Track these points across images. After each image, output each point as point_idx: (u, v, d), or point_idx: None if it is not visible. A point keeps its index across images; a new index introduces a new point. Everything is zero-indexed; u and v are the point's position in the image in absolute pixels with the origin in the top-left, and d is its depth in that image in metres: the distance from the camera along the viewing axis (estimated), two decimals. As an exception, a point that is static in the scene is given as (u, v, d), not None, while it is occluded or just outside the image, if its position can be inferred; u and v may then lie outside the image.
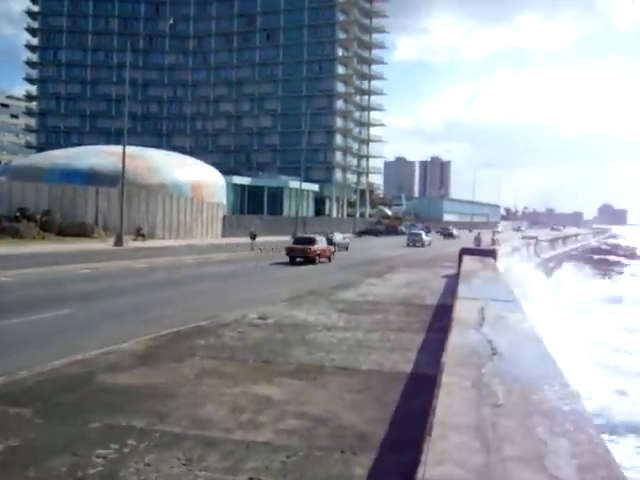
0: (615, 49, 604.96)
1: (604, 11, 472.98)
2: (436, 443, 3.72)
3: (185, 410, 7.59)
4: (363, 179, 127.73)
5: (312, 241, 36.80)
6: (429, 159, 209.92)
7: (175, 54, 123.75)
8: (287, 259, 35.28)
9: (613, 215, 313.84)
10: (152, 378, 8.97)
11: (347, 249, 48.10)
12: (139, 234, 51.13)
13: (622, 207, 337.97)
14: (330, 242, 41.16)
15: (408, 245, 60.72)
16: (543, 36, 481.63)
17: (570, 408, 4.54)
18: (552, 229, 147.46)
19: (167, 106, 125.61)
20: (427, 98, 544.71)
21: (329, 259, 37.16)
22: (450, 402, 4.57)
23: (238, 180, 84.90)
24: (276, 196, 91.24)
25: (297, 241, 38.80)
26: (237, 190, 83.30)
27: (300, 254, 35.07)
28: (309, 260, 34.57)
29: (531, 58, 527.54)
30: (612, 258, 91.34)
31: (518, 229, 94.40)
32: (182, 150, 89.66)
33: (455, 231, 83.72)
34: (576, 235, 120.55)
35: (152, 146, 77.08)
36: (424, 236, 64.32)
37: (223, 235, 63.10)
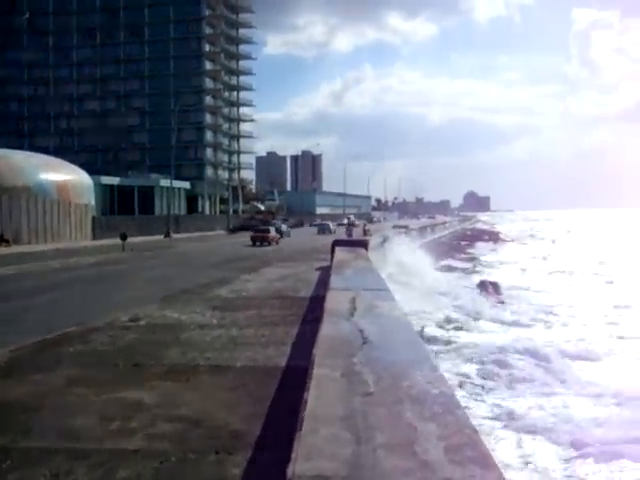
0: (475, 43, 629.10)
1: (465, 8, 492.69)
2: (307, 437, 3.64)
3: (51, 423, 7.21)
4: (235, 175, 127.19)
5: (268, 231, 52.01)
6: (300, 153, 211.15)
7: (34, 50, 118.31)
8: (157, 258, 37.36)
9: (478, 202, 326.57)
10: (15, 391, 8.48)
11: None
12: (2, 240, 48.77)
13: (486, 194, 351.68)
14: (279, 231, 56.81)
15: (318, 233, 69.05)
16: (406, 32, 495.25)
17: (438, 391, 4.58)
18: (429, 217, 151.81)
19: (28, 105, 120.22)
20: (297, 93, 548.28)
21: (277, 243, 50.26)
22: (321, 394, 4.51)
23: (107, 180, 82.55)
24: (147, 195, 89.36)
25: (258, 230, 52.14)
26: (106, 190, 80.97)
27: (261, 239, 48.69)
28: (268, 243, 48.37)
29: (396, 53, 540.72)
30: (479, 244, 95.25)
31: (370, 220, 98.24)
32: (46, 151, 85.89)
33: (332, 225, 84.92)
34: (444, 223, 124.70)
35: (13, 147, 73.47)
36: (331, 225, 76.82)
37: (94, 237, 61.07)
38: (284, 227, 67.35)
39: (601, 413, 16.26)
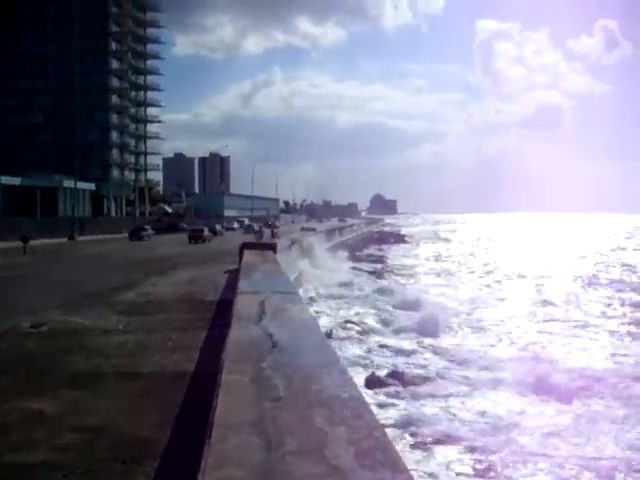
0: (383, 49, 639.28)
1: (373, 15, 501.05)
2: (216, 445, 3.61)
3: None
4: (142, 176, 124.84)
5: (202, 230, 61.48)
6: (208, 155, 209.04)
7: None
8: (60, 261, 37.11)
9: (384, 205, 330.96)
10: None
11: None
12: None
13: (392, 198, 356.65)
14: (212, 231, 66.82)
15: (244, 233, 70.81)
16: (316, 36, 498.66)
17: (348, 395, 4.62)
18: (339, 220, 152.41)
19: None
20: (206, 94, 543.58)
21: (209, 240, 58.21)
22: (230, 400, 4.48)
23: (7, 180, 79.58)
24: (50, 196, 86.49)
25: (194, 230, 61.93)
26: (6, 191, 78.14)
27: (197, 238, 56.99)
28: (203, 240, 56.73)
29: (305, 56, 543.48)
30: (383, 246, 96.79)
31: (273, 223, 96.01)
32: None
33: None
34: (351, 225, 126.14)
35: None
36: (255, 227, 75.97)
37: (-6, 240, 58.71)
38: (218, 227, 78.47)
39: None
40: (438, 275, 54.41)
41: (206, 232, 60.93)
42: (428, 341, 25.01)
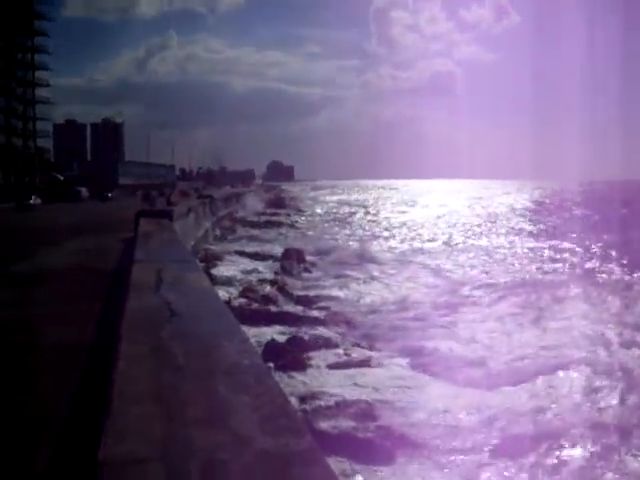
0: (280, 15, 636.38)
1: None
2: (116, 417, 3.53)
3: None
4: (31, 143, 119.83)
5: None
6: (101, 122, 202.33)
7: None
8: None
9: (282, 172, 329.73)
10: None
11: None
12: None
13: (290, 164, 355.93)
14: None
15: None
16: (212, 0, 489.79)
17: (249, 362, 4.61)
18: (231, 187, 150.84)
19: None
20: (100, 58, 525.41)
21: None
22: (129, 371, 4.39)
23: None
24: None
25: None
26: None
27: None
28: None
29: (201, 21, 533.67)
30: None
31: (197, 189, 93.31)
32: None
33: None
34: (250, 192, 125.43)
35: None
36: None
37: None
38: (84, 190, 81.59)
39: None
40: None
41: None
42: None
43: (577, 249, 44.46)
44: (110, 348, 5.73)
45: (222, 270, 33.68)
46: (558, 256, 41.48)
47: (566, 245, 46.96)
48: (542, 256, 42.08)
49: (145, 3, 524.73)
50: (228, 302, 22.12)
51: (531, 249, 45.91)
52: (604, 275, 33.52)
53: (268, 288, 28.85)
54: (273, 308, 25.01)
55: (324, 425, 12.58)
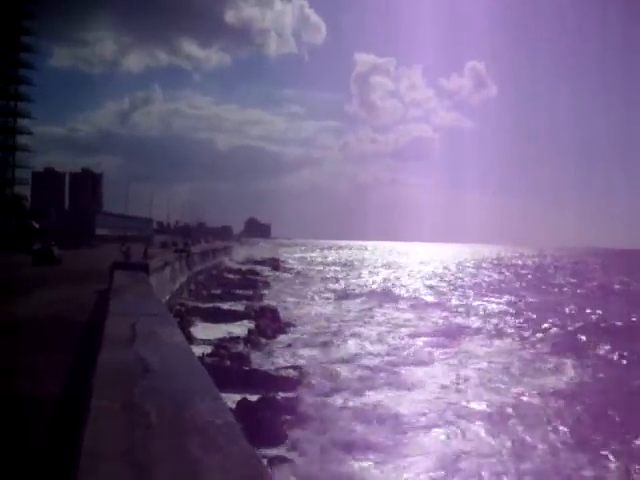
0: (265, 75, 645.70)
1: (259, 42, 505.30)
2: (84, 476, 3.44)
3: None
4: (9, 191, 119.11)
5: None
6: (80, 171, 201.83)
7: None
8: None
9: (258, 229, 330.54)
10: None
11: None
12: None
13: (266, 221, 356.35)
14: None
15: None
16: (200, 58, 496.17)
17: (222, 421, 4.53)
18: (205, 242, 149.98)
19: None
20: (83, 109, 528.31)
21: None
22: (99, 428, 4.29)
23: None
24: None
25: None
26: None
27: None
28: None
29: (187, 78, 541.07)
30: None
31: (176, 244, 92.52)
32: None
33: None
34: (225, 248, 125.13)
35: None
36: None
37: None
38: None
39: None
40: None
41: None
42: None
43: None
44: (79, 402, 5.63)
45: (196, 326, 33.47)
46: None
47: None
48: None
49: (132, 57, 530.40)
50: (201, 358, 21.89)
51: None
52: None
53: (241, 346, 28.64)
54: (245, 366, 24.80)
55: None
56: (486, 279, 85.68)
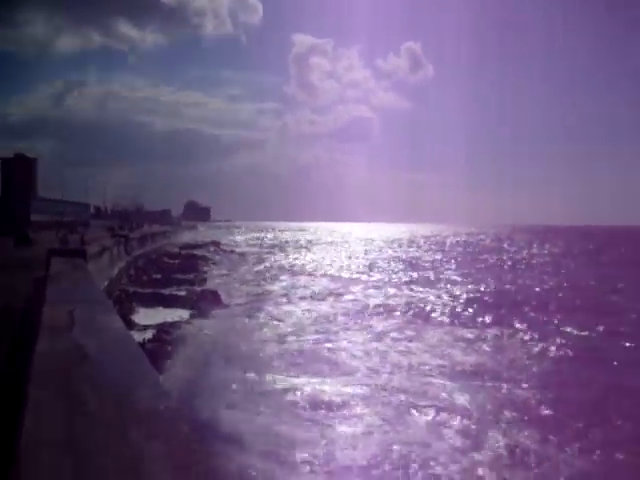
0: (202, 57, 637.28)
1: (195, 23, 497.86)
2: (26, 466, 3.39)
3: None
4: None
5: None
6: (13, 156, 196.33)
7: None
8: None
9: (198, 212, 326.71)
10: None
11: None
12: None
13: (206, 204, 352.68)
14: None
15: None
16: (135, 39, 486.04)
17: (164, 407, 4.51)
18: (138, 226, 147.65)
19: None
20: (15, 93, 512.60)
21: None
22: (39, 417, 4.22)
23: None
24: None
25: None
26: None
27: None
28: None
29: (123, 59, 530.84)
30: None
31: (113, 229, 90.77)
32: None
33: None
34: (164, 232, 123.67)
35: None
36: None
37: None
38: None
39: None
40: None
41: None
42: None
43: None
44: (17, 393, 5.53)
45: (137, 312, 33.13)
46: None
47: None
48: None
49: (65, 39, 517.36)
50: (142, 344, 21.68)
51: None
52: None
53: (182, 329, 28.43)
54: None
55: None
56: (414, 255, 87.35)
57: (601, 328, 28.45)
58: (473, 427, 14.52)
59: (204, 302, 37.69)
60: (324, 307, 36.67)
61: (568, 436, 14.07)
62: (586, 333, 27.60)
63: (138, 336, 23.80)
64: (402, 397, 16.98)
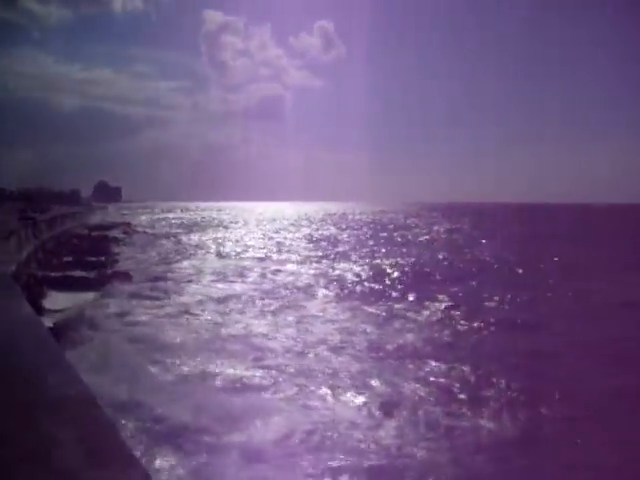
0: (110, 33, 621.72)
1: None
2: None
3: None
4: None
5: None
6: None
7: None
8: None
9: (109, 192, 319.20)
10: None
11: None
12: None
13: (117, 185, 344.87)
14: None
15: None
16: (39, 14, 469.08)
17: (75, 392, 4.42)
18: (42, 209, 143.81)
19: None
20: None
21: None
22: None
23: None
24: None
25: None
26: None
27: None
28: None
29: (25, 34, 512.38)
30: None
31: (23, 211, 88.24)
32: None
33: None
34: (74, 214, 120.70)
35: None
36: None
37: None
38: None
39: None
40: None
41: None
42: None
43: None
44: None
45: (47, 296, 32.30)
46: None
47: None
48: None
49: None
50: (52, 329, 21.17)
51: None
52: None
53: (92, 311, 27.93)
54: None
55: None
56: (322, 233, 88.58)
57: (510, 298, 29.39)
58: (386, 403, 14.70)
59: (115, 283, 37.22)
60: (235, 286, 36.60)
61: (486, 408, 14.46)
62: (496, 304, 28.41)
63: (48, 321, 23.21)
64: (312, 377, 16.96)
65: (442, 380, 16.62)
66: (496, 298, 29.42)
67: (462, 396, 15.31)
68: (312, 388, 15.95)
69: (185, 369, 17.75)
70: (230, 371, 17.53)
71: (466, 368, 17.52)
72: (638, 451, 11.80)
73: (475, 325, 23.73)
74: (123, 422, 12.51)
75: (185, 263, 50.47)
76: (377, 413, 14.13)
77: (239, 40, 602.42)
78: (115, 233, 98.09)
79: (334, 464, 11.37)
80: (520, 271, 40.79)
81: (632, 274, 36.82)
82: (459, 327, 23.64)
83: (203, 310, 27.50)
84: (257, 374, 17.22)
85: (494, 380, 16.36)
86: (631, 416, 13.72)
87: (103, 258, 57.73)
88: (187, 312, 26.81)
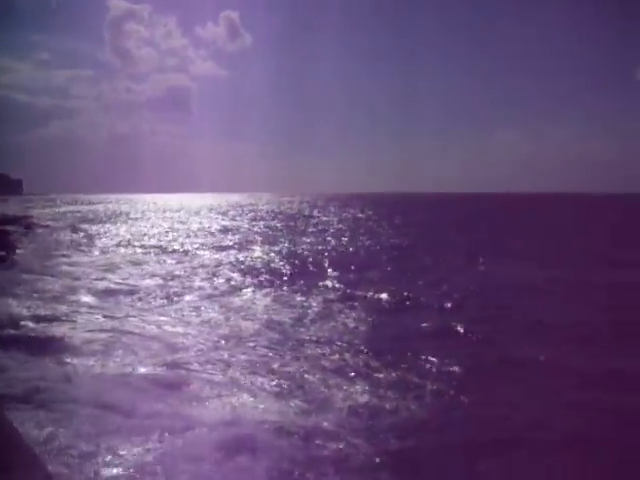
0: (8, 17, 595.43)
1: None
2: None
3: None
4: None
5: None
6: None
7: None
8: None
9: (8, 185, 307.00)
10: None
11: None
12: None
13: (18, 177, 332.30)
14: None
15: None
16: None
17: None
18: None
19: None
20: None
21: None
22: None
23: None
24: None
25: None
26: None
27: None
28: None
29: None
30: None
31: None
32: None
33: None
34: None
35: None
36: None
37: None
38: None
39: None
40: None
41: None
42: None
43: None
44: None
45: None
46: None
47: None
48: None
49: None
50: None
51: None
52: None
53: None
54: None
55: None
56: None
57: (408, 280, 29.61)
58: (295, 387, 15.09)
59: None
60: (137, 278, 36.65)
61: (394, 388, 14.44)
62: (395, 287, 27.71)
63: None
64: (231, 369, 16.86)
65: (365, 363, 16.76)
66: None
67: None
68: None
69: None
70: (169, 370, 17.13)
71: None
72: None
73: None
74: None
75: (89, 255, 49.74)
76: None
77: (144, 29, 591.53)
78: (15, 227, 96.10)
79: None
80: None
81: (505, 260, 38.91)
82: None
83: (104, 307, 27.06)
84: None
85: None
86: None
87: (3, 253, 57.06)
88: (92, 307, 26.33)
